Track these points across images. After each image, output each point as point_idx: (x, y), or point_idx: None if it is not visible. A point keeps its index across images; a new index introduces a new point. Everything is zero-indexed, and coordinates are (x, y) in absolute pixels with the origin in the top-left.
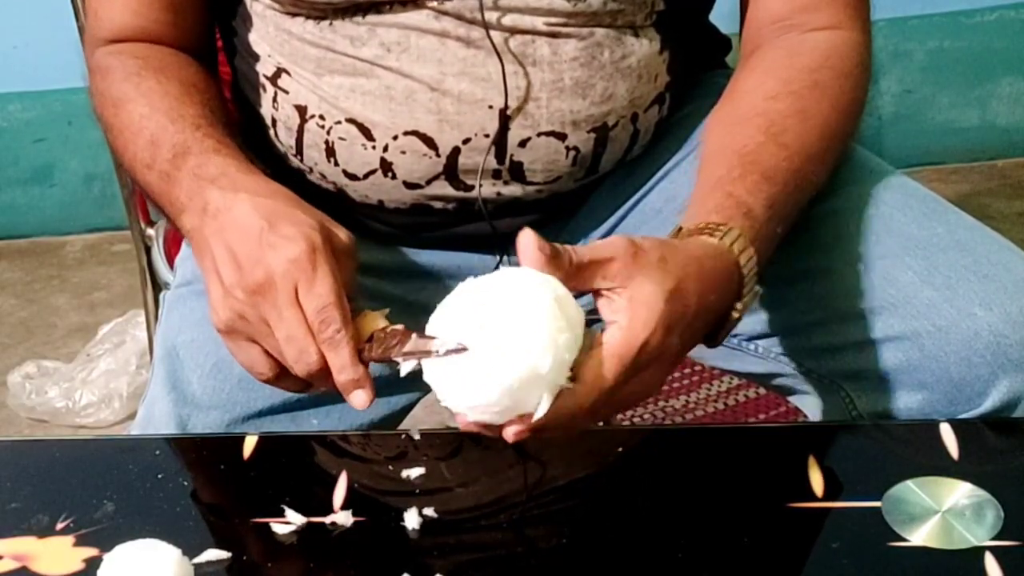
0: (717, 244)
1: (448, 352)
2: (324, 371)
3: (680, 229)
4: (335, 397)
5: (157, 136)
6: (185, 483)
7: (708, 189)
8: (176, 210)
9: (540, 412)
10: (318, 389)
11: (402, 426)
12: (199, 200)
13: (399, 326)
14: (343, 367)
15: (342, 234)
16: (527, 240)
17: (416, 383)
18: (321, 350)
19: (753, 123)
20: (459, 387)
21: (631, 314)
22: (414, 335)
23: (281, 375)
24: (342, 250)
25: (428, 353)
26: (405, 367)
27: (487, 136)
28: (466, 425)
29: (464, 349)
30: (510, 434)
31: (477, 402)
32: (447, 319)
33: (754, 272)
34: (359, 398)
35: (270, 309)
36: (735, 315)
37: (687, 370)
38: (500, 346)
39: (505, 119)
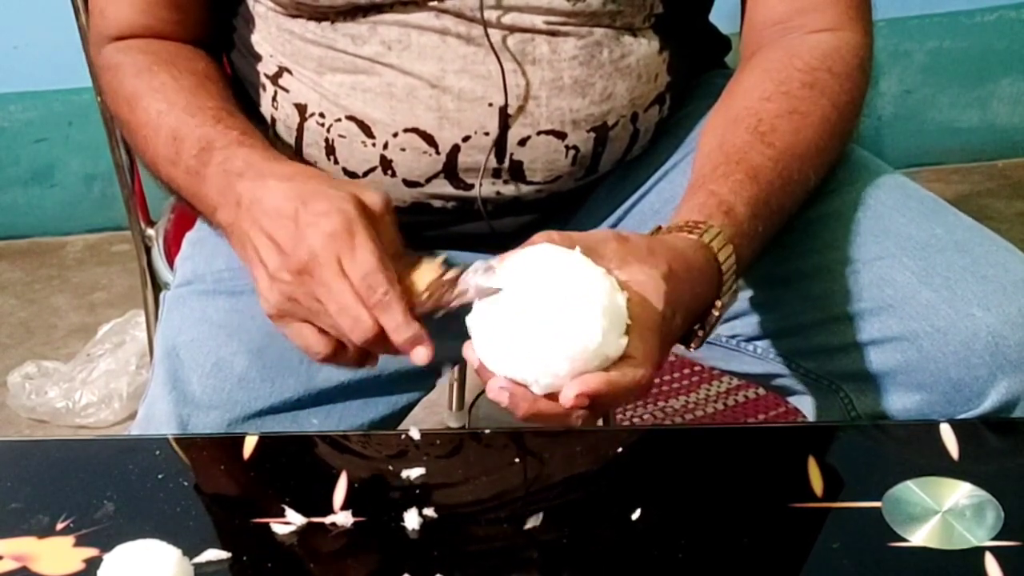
0: (697, 240)
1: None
2: (380, 336)
3: (659, 228)
4: (335, 396)
5: (179, 131)
6: (185, 483)
7: (693, 189)
8: (209, 207)
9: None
10: (374, 364)
11: (402, 426)
12: (231, 195)
13: (454, 272)
14: (398, 327)
15: (374, 196)
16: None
17: (417, 382)
18: (374, 315)
19: (743, 123)
20: (509, 341)
21: (640, 296)
22: (463, 275)
23: (338, 352)
24: (377, 213)
25: (480, 289)
26: (480, 286)
27: (487, 134)
28: (497, 390)
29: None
30: (570, 395)
31: (543, 365)
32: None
33: (733, 270)
34: (421, 354)
35: (318, 285)
36: (715, 312)
37: (687, 370)
38: (558, 309)
39: (505, 117)
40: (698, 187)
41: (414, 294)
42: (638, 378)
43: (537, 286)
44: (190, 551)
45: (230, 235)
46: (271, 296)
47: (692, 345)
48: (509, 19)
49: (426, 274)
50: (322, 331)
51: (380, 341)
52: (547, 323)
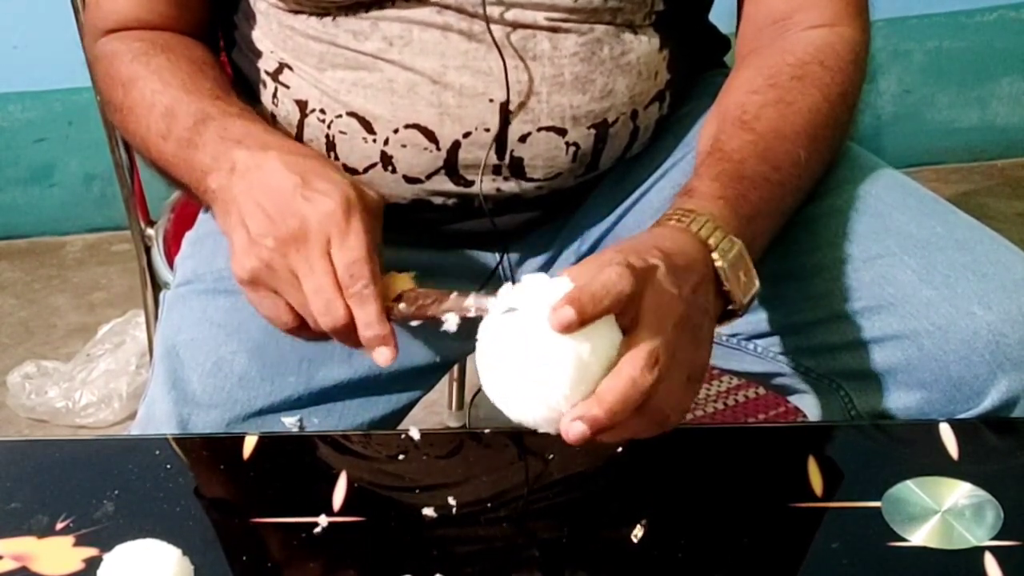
0: (659, 225)
1: (497, 310)
2: (349, 326)
3: None
4: (335, 396)
5: (173, 108)
6: (185, 483)
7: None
8: (199, 174)
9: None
10: (331, 340)
11: (402, 426)
12: (226, 160)
13: (429, 290)
14: (369, 323)
15: (372, 194)
16: None
17: (417, 381)
18: (348, 304)
19: (730, 117)
20: (512, 388)
21: (596, 268)
22: (454, 293)
23: (302, 325)
24: (372, 211)
25: (467, 310)
26: (451, 322)
27: (487, 130)
28: (569, 427)
29: (514, 309)
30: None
31: (536, 399)
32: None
33: (710, 227)
34: (383, 355)
35: (301, 260)
36: (718, 263)
37: None
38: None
39: (506, 113)
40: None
41: (385, 300)
42: (610, 277)
43: (525, 324)
44: (190, 551)
45: (215, 200)
46: (247, 260)
47: (732, 306)
48: (511, 15)
49: (398, 285)
50: (288, 305)
51: (346, 331)
52: (531, 371)
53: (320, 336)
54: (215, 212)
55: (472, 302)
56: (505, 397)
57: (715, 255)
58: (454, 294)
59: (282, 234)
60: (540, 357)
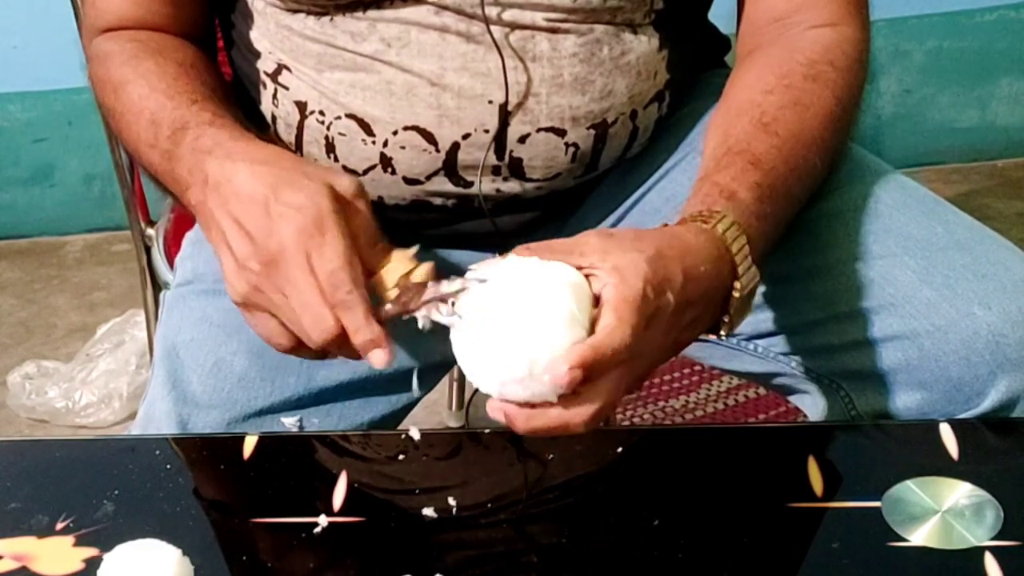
0: (699, 226)
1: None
2: (341, 336)
3: (665, 226)
4: (335, 396)
5: (157, 114)
6: (185, 483)
7: (697, 184)
8: (181, 187)
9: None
10: (335, 357)
11: (402, 426)
12: (199, 173)
13: (426, 266)
14: (358, 328)
15: (346, 182)
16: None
17: (417, 381)
18: (336, 314)
19: (746, 116)
20: (486, 360)
21: (618, 276)
22: (429, 283)
23: (299, 344)
24: (350, 202)
25: (444, 295)
26: (423, 321)
27: (487, 132)
28: (494, 410)
29: (484, 280)
30: (563, 372)
31: (503, 375)
32: (471, 299)
33: (745, 251)
34: (378, 357)
35: (285, 280)
36: (735, 294)
37: (687, 370)
38: (524, 319)
39: (505, 115)
40: (702, 181)
41: (385, 288)
42: (618, 340)
43: (497, 303)
44: (190, 551)
45: (198, 215)
46: (238, 284)
47: (722, 331)
48: (509, 16)
49: (397, 267)
50: (284, 325)
51: (340, 342)
52: (511, 341)
53: (318, 355)
54: (200, 225)
55: (446, 285)
56: (485, 367)
57: (737, 287)
58: (429, 284)
59: (264, 258)
60: (525, 331)
